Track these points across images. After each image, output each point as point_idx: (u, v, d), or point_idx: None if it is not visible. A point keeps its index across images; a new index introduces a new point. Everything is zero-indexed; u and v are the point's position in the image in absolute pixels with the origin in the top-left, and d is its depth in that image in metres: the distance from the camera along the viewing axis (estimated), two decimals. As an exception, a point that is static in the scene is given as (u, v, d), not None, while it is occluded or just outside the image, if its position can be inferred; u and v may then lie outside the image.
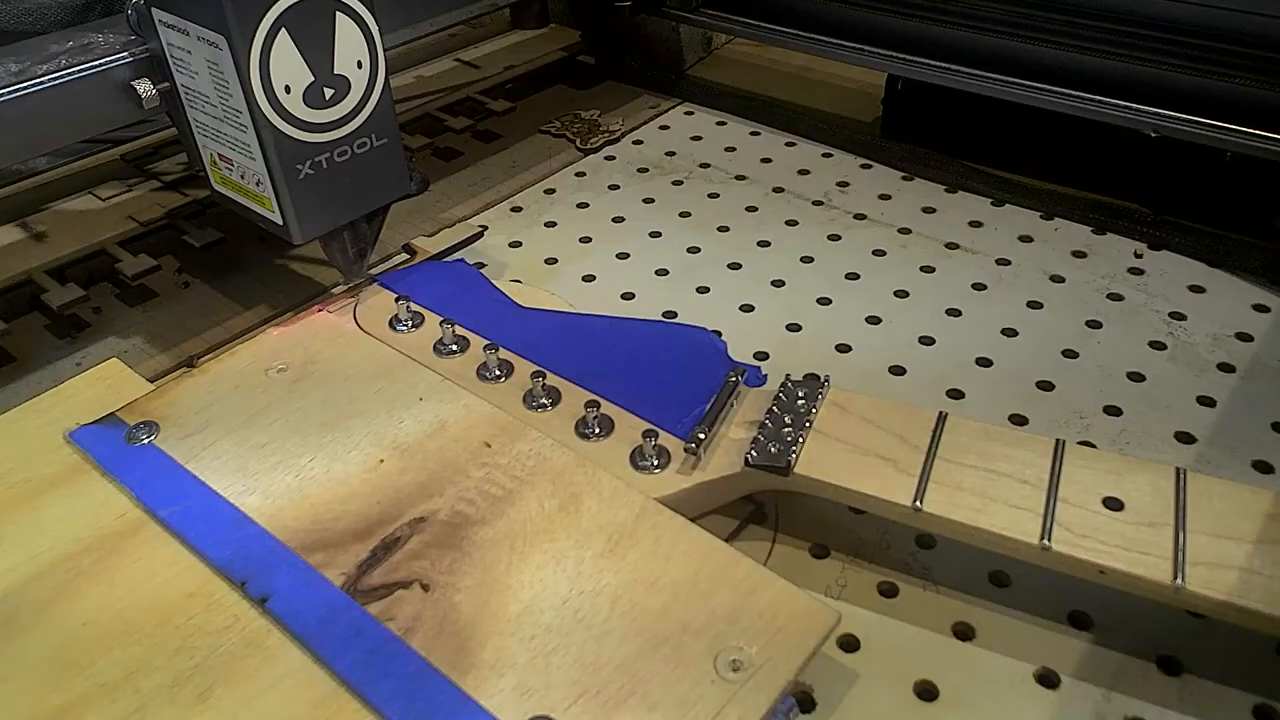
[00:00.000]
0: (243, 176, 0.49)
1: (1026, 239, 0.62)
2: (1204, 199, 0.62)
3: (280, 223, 0.49)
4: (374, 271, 0.58)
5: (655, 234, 0.64)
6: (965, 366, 0.52)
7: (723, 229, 0.64)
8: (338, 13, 0.46)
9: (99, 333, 0.57)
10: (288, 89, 0.46)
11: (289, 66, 0.45)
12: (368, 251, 0.54)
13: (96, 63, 0.49)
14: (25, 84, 0.47)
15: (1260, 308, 0.56)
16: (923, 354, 0.53)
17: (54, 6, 0.50)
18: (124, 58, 0.50)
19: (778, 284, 0.59)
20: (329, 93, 0.47)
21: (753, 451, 0.41)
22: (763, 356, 0.53)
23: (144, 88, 0.49)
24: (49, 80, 0.48)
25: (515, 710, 0.33)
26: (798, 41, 0.72)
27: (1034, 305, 0.56)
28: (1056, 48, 0.62)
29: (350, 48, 0.47)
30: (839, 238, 0.63)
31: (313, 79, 0.46)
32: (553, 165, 0.73)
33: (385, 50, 0.49)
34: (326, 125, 0.48)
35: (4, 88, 0.47)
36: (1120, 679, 0.37)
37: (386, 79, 0.49)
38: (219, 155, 0.50)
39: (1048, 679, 0.37)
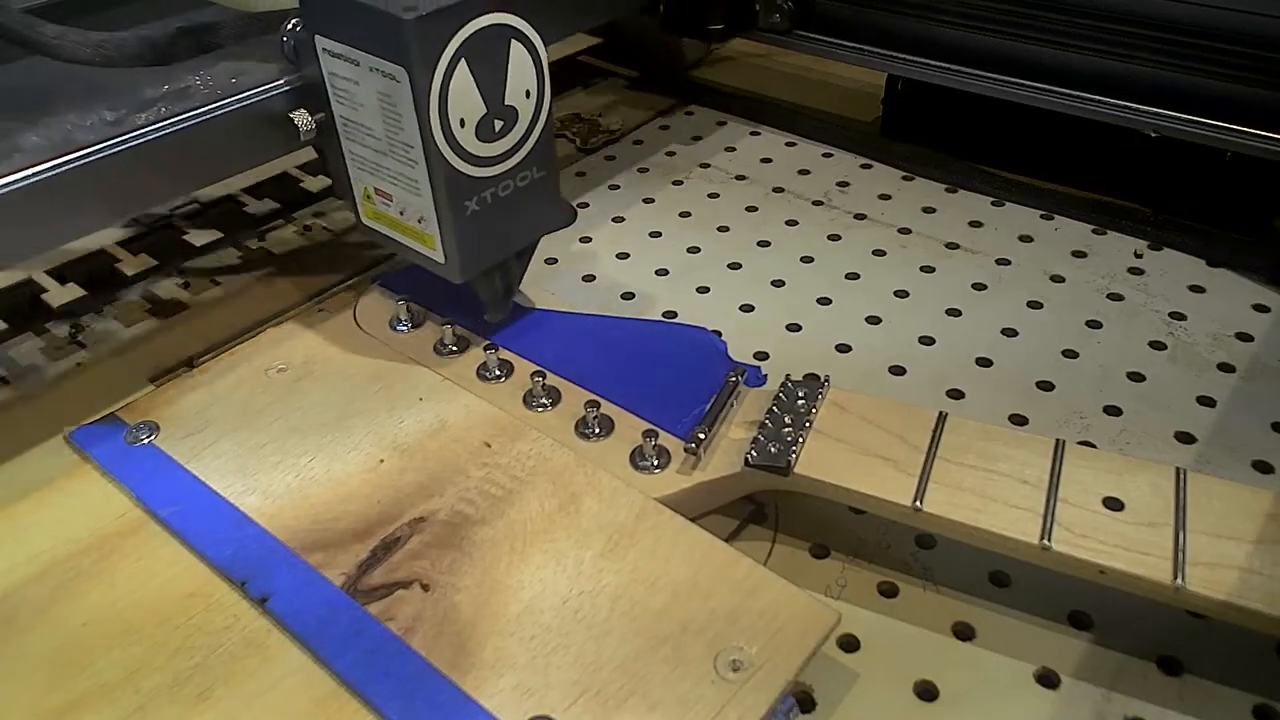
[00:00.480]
0: (402, 212, 0.46)
1: (1026, 239, 0.62)
2: (1204, 199, 0.62)
3: (441, 261, 0.46)
4: (374, 272, 0.58)
5: (655, 234, 0.64)
6: (965, 366, 0.52)
7: (723, 229, 0.64)
8: (513, 40, 0.43)
9: (99, 333, 0.57)
10: (462, 122, 0.43)
11: (465, 99, 0.43)
12: (514, 287, 0.51)
13: (251, 93, 0.47)
14: (178, 118, 0.45)
15: (1260, 308, 0.56)
16: (923, 354, 0.53)
17: (134, 40, 0.49)
18: (280, 87, 0.47)
19: (778, 284, 0.59)
20: (498, 125, 0.44)
21: (753, 451, 0.41)
22: (763, 356, 0.53)
23: (302, 119, 0.47)
24: (204, 113, 0.46)
25: (515, 710, 0.33)
26: (798, 41, 0.72)
27: (1034, 305, 0.56)
28: (1056, 48, 0.62)
29: (521, 77, 0.44)
30: (839, 238, 0.63)
31: (485, 111, 0.44)
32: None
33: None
34: (494, 159, 0.45)
35: (156, 124, 0.45)
36: (1120, 679, 0.37)
37: (550, 108, 0.46)
38: (375, 189, 0.47)
39: (1048, 679, 0.37)
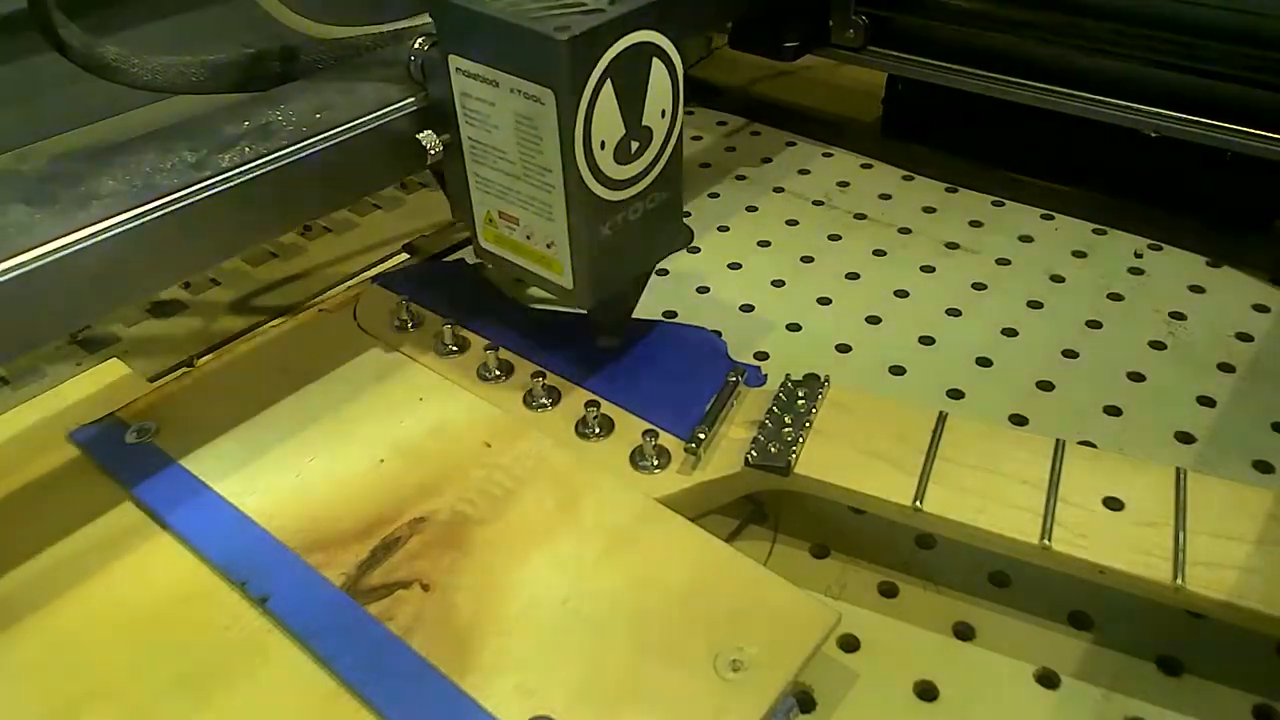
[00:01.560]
0: (529, 237, 0.44)
1: (1026, 239, 0.62)
2: (1204, 199, 0.62)
3: (570, 287, 0.44)
4: (374, 272, 0.58)
5: (655, 234, 0.64)
6: (965, 366, 0.52)
7: (723, 229, 0.64)
8: (654, 58, 0.42)
9: (99, 333, 0.57)
10: (603, 145, 0.41)
11: (608, 120, 0.41)
12: (632, 311, 0.49)
13: (380, 114, 0.45)
14: (307, 142, 0.43)
15: (1260, 308, 0.56)
16: (923, 354, 0.53)
17: (197, 66, 0.47)
18: (409, 107, 0.46)
19: (778, 284, 0.59)
20: (634, 146, 0.42)
21: (753, 451, 0.41)
22: (763, 356, 0.53)
23: (429, 140, 0.45)
24: (333, 135, 0.44)
25: (515, 710, 0.33)
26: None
27: (1034, 305, 0.56)
28: (1057, 48, 0.62)
29: (659, 96, 0.43)
30: (839, 238, 0.63)
31: (624, 132, 0.42)
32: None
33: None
34: (627, 182, 0.43)
35: (247, 163, 0.42)
36: (1120, 679, 0.37)
37: (681, 128, 0.45)
38: (500, 213, 0.45)
39: (1048, 679, 0.37)
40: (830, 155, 0.73)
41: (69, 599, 0.38)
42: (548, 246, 0.44)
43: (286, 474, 0.42)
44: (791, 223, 0.65)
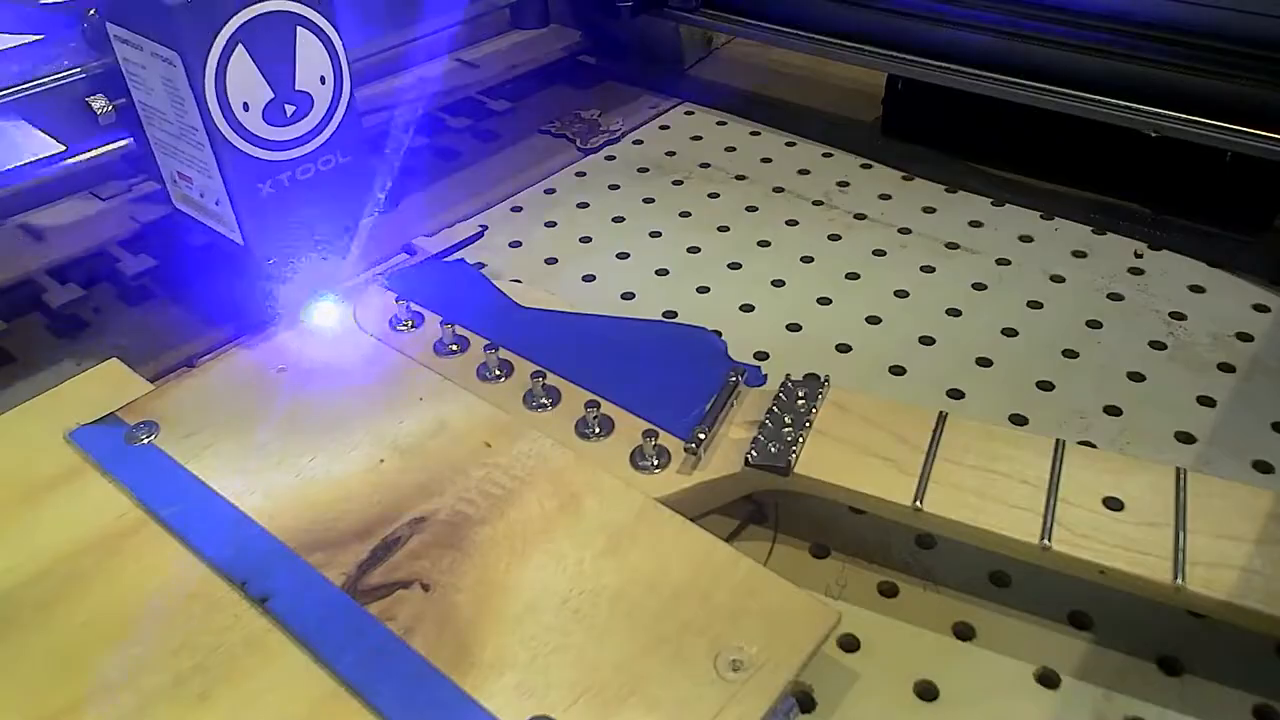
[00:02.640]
0: (201, 194, 0.48)
1: (1026, 239, 0.62)
2: (1204, 199, 0.62)
3: (240, 241, 0.48)
4: (374, 271, 0.58)
5: (655, 234, 0.64)
6: (965, 366, 0.52)
7: (723, 229, 0.64)
8: (299, 27, 0.45)
9: (99, 333, 0.57)
10: (245, 106, 0.44)
11: (246, 83, 0.44)
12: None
13: (53, 78, 0.48)
14: None
15: (1260, 308, 0.56)
16: (923, 354, 0.53)
17: None
18: (79, 74, 0.49)
19: (778, 284, 0.59)
20: (289, 109, 0.46)
21: (753, 451, 0.41)
22: (763, 356, 0.53)
23: (99, 104, 0.49)
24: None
25: (515, 710, 0.33)
26: (798, 41, 0.72)
27: (1034, 305, 0.56)
28: (1057, 48, 0.62)
29: (312, 63, 0.46)
30: (839, 238, 0.63)
31: (273, 96, 0.45)
32: (553, 165, 0.72)
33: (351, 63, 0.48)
34: (289, 143, 0.47)
35: None
36: (1120, 679, 0.37)
37: (352, 95, 0.48)
38: (179, 173, 0.49)
39: (1048, 679, 0.37)
40: (830, 155, 0.73)
41: (69, 599, 0.38)
42: (216, 204, 0.47)
43: (286, 474, 0.42)
44: (791, 223, 0.65)
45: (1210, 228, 0.61)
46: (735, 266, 0.61)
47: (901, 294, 0.58)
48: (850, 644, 0.39)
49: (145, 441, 0.44)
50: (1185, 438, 0.47)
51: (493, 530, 0.40)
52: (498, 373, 0.47)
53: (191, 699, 0.34)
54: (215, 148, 0.45)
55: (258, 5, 0.43)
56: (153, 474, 0.42)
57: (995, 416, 0.49)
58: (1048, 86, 0.62)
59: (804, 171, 0.71)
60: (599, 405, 0.44)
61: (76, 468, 0.43)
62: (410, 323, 0.51)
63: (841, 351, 0.54)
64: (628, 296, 0.58)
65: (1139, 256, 0.60)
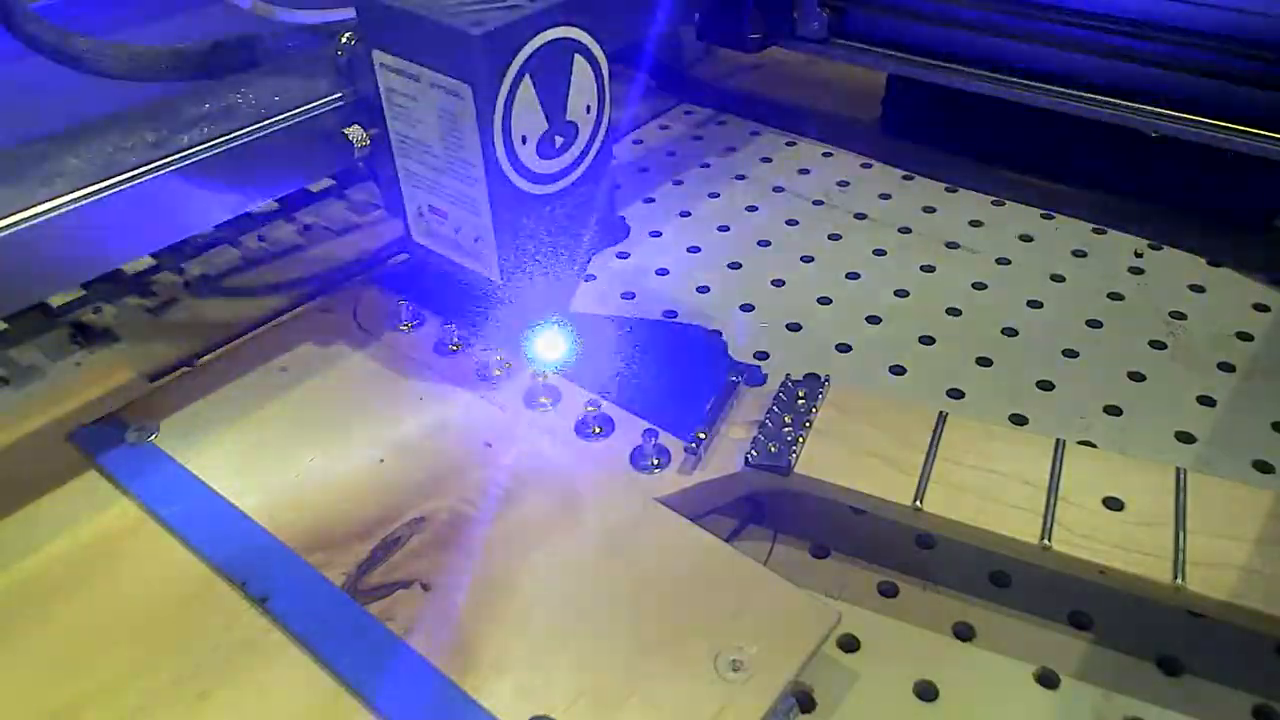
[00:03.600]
0: (457, 230, 0.45)
1: (1026, 239, 0.62)
2: (1204, 199, 0.62)
3: (496, 277, 0.45)
4: (374, 271, 0.58)
5: (655, 234, 0.64)
6: (965, 366, 0.52)
7: (723, 229, 0.64)
8: (576, 54, 0.42)
9: (99, 333, 0.57)
10: (524, 139, 0.42)
11: (528, 115, 0.41)
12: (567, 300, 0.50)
13: (304, 109, 0.46)
14: (226, 137, 0.44)
15: (1260, 308, 0.56)
16: (923, 354, 0.53)
17: (167, 54, 0.48)
18: (333, 103, 0.46)
19: (778, 284, 0.59)
20: (559, 141, 0.43)
21: (753, 451, 0.41)
22: (763, 356, 0.53)
23: (356, 135, 0.46)
24: (253, 131, 0.45)
25: (515, 710, 0.33)
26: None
27: (1034, 305, 0.56)
28: (1057, 48, 0.62)
29: (582, 91, 0.43)
30: (839, 237, 0.63)
31: (547, 127, 0.42)
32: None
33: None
34: (552, 176, 0.44)
35: (203, 143, 0.43)
36: (1120, 679, 0.37)
37: (609, 122, 0.45)
38: (430, 206, 0.46)
39: (1048, 679, 0.37)
40: (830, 155, 0.73)
41: (69, 599, 0.38)
42: (475, 240, 0.45)
43: (286, 474, 0.42)
44: (791, 223, 0.65)
45: (1210, 228, 0.61)
46: (735, 266, 0.60)
47: (901, 294, 0.58)
48: (850, 644, 0.39)
49: (145, 441, 0.44)
50: (1185, 438, 0.47)
51: (493, 530, 0.40)
52: (498, 373, 0.47)
53: (191, 699, 0.34)
54: (490, 183, 0.42)
55: (546, 33, 0.40)
56: (153, 474, 0.42)
57: (995, 416, 0.49)
58: (1048, 86, 0.62)
59: (804, 171, 0.71)
60: (599, 405, 0.44)
61: (76, 468, 0.43)
62: (410, 323, 0.51)
63: (841, 351, 0.54)
64: (628, 296, 0.58)
65: (1139, 256, 0.60)
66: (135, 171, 0.42)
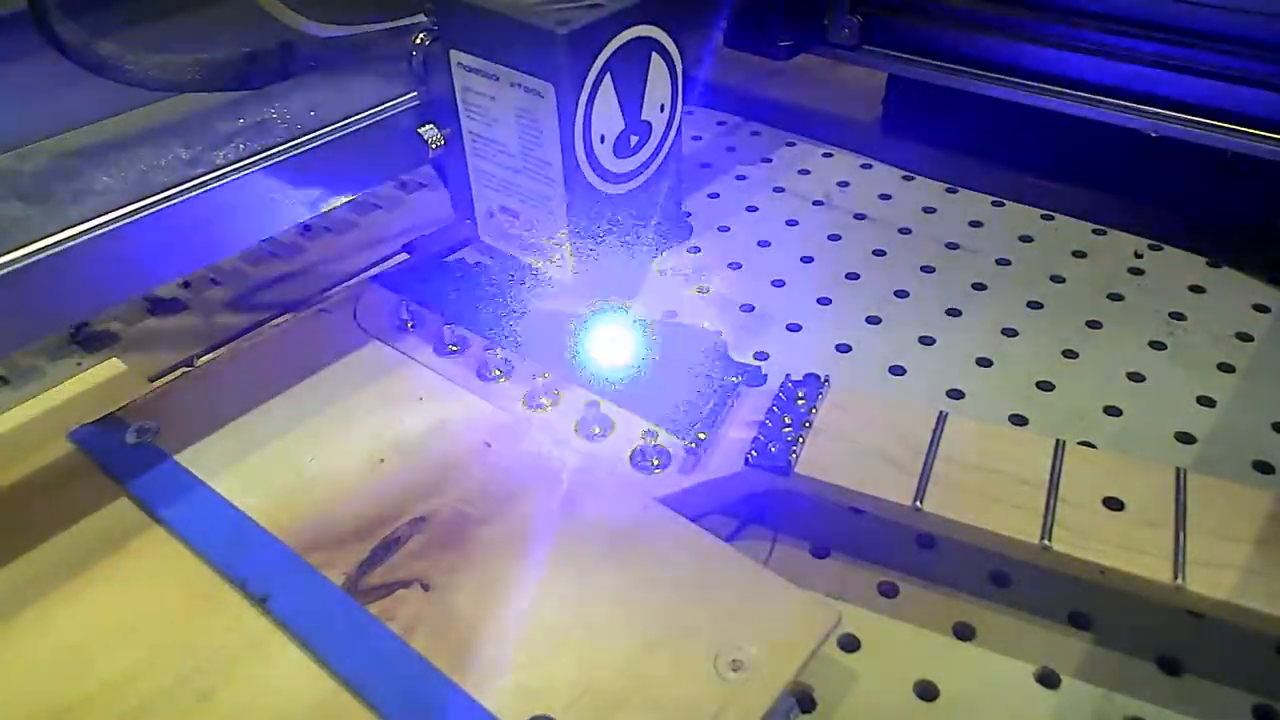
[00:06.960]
0: (530, 230, 0.45)
1: (1026, 239, 0.62)
2: (1204, 199, 0.62)
3: (569, 278, 0.45)
4: (374, 272, 0.58)
5: (655, 234, 0.64)
6: (965, 366, 0.52)
7: (723, 229, 0.64)
8: (654, 53, 0.42)
9: (99, 333, 0.57)
10: (602, 139, 0.42)
11: (607, 114, 0.41)
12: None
13: (380, 109, 0.46)
14: (305, 138, 0.44)
15: (1260, 308, 0.56)
16: (923, 354, 0.53)
17: (194, 64, 0.47)
18: (410, 102, 0.46)
19: (778, 284, 0.59)
20: (634, 140, 0.43)
21: (753, 451, 0.41)
22: (763, 356, 0.53)
23: (430, 134, 0.46)
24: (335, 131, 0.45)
25: (515, 710, 0.33)
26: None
27: (1034, 305, 0.56)
28: (1057, 48, 0.62)
29: (658, 91, 0.43)
30: (839, 238, 0.63)
31: (624, 126, 0.42)
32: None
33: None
34: (626, 175, 0.44)
35: (244, 159, 0.43)
36: (1120, 679, 0.37)
37: (681, 122, 0.45)
38: (501, 207, 0.46)
39: (1048, 679, 0.37)
40: (830, 155, 0.73)
41: (69, 599, 0.38)
42: (548, 240, 0.44)
43: (286, 473, 0.42)
44: (791, 223, 0.65)
45: (1210, 228, 0.61)
46: (736, 267, 0.60)
47: (901, 294, 0.58)
48: (850, 644, 0.39)
49: (145, 441, 0.44)
50: (1185, 438, 0.47)
51: (493, 530, 0.40)
52: (498, 373, 0.47)
53: (192, 699, 0.34)
54: (569, 183, 0.42)
55: (626, 32, 0.40)
56: (153, 474, 0.42)
57: (995, 416, 0.49)
58: (1048, 86, 0.62)
59: (804, 171, 0.71)
60: (599, 405, 0.44)
61: (76, 467, 0.43)
62: (410, 323, 0.51)
63: (841, 351, 0.54)
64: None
65: (1139, 256, 0.60)
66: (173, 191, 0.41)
